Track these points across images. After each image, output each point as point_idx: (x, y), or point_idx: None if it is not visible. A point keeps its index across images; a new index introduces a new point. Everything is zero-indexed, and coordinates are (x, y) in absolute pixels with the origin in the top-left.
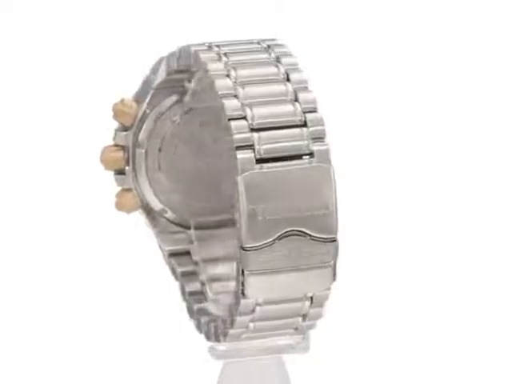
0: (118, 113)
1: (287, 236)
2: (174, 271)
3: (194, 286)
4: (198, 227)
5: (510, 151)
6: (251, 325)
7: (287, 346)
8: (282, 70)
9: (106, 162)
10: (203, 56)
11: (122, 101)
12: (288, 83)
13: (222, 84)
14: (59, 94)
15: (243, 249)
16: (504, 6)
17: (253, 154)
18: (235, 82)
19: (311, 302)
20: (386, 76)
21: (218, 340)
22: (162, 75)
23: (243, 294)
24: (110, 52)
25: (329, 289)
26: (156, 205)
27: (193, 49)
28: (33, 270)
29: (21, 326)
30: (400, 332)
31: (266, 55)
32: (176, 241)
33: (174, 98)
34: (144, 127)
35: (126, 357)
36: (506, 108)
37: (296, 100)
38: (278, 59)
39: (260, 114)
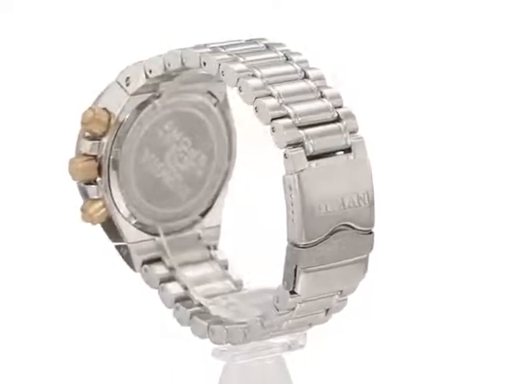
0: (91, 121)
1: (338, 231)
2: (150, 279)
3: (178, 292)
4: (166, 233)
5: None
6: (284, 324)
7: (285, 344)
8: (298, 67)
9: (78, 172)
10: (218, 58)
11: (93, 109)
12: (308, 80)
13: (255, 83)
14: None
15: (297, 246)
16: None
17: (303, 151)
18: (264, 82)
19: (340, 296)
20: (386, 73)
21: (235, 343)
22: (141, 80)
23: (293, 292)
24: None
25: (359, 281)
26: (125, 212)
27: (197, 51)
28: None
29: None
30: (401, 332)
31: (274, 54)
32: (148, 249)
33: (146, 103)
34: (118, 134)
35: (128, 357)
36: None
37: (322, 96)
38: (287, 57)
39: (300, 111)
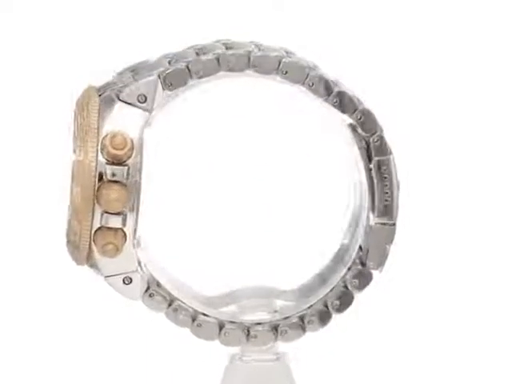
0: (125, 146)
1: None
2: (158, 303)
3: (187, 307)
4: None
5: None
6: None
7: None
8: (308, 59)
9: (114, 203)
10: (273, 54)
11: (121, 133)
12: (318, 68)
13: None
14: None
15: (391, 225)
16: None
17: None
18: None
19: None
20: (385, 72)
21: (290, 340)
22: (160, 95)
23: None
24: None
25: None
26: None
27: (241, 51)
28: None
29: None
30: (402, 333)
31: (280, 50)
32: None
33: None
34: (134, 155)
35: (131, 357)
36: None
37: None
38: (288, 52)
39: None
